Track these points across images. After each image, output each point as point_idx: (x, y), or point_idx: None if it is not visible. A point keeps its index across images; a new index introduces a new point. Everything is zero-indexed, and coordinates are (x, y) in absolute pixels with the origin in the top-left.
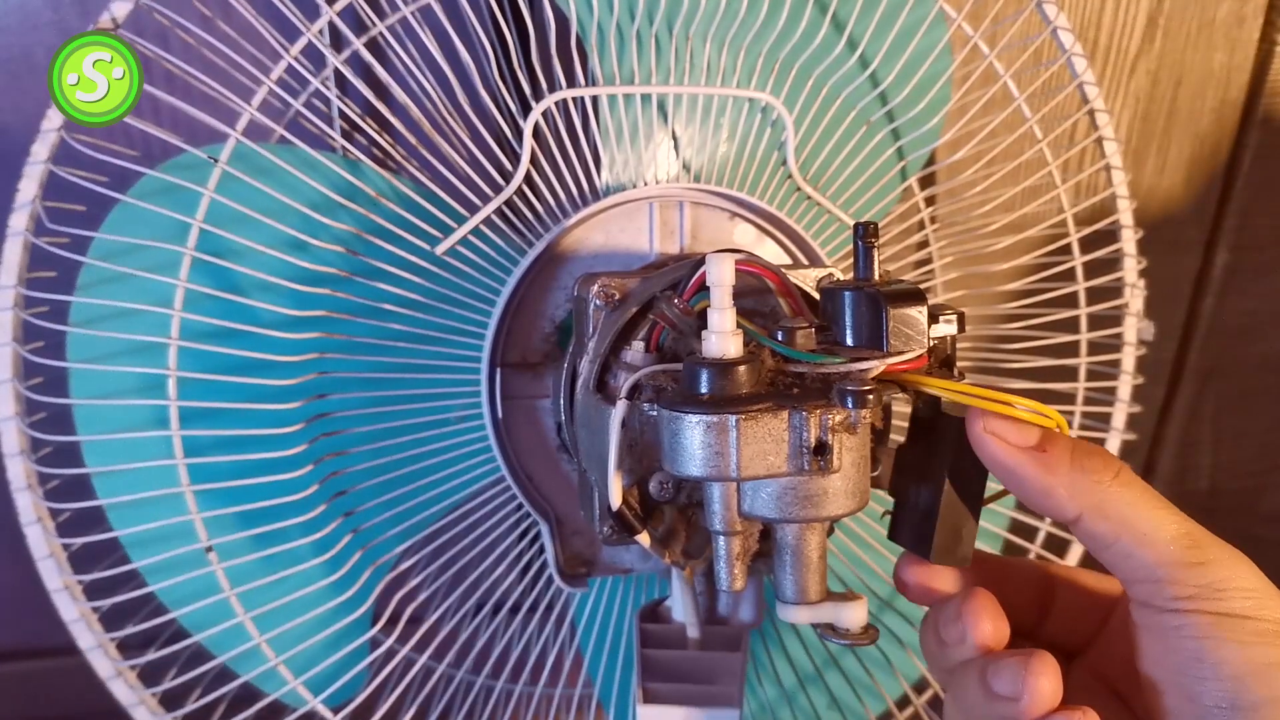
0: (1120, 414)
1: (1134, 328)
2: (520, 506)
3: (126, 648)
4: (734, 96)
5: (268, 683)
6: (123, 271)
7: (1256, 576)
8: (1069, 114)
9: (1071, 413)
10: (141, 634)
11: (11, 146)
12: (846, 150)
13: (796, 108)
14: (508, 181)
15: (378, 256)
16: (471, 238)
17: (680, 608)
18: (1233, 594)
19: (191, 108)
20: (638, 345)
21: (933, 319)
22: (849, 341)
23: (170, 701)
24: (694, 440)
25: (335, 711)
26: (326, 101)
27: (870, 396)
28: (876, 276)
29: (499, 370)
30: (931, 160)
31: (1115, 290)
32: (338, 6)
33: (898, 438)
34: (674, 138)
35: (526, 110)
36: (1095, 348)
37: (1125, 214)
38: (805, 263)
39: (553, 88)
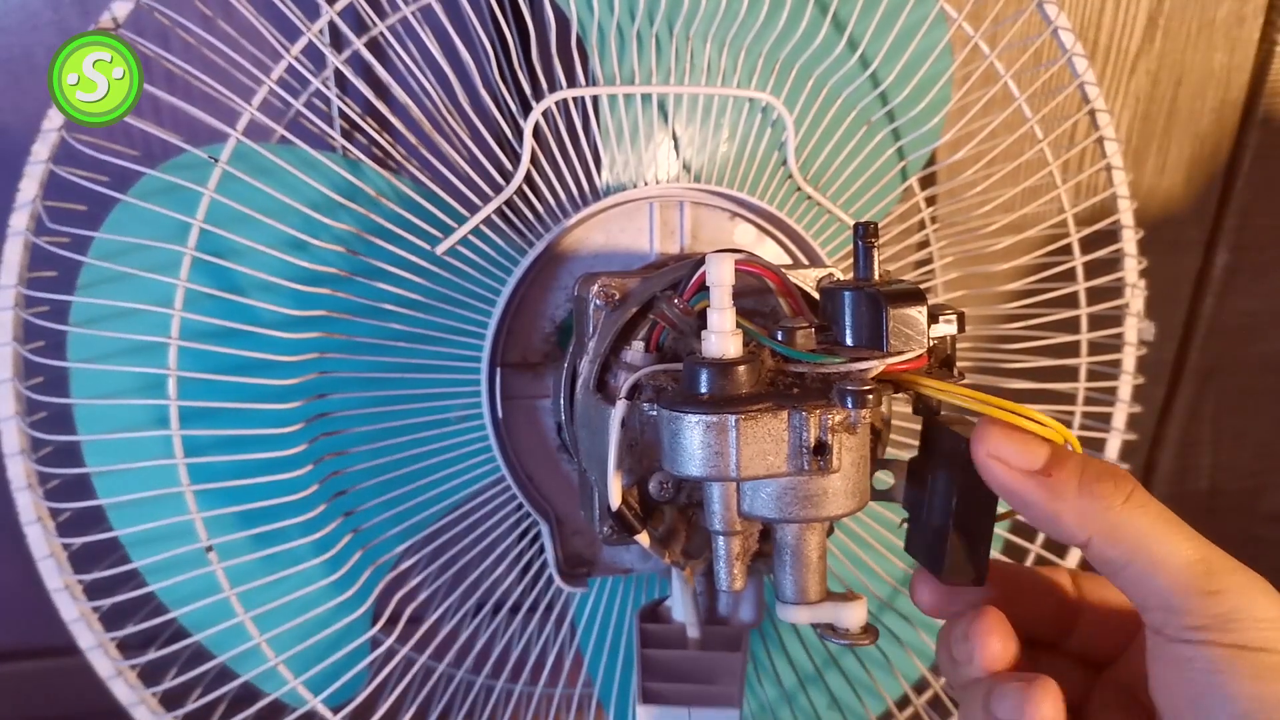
0: (1120, 414)
1: (1134, 328)
2: (520, 506)
3: (127, 647)
4: (734, 96)
5: (268, 682)
6: (123, 271)
7: (1275, 605)
8: (1069, 114)
9: (1072, 412)
10: (141, 634)
11: (12, 146)
12: (847, 150)
13: (797, 108)
14: (508, 181)
15: (378, 256)
16: (472, 238)
17: (680, 608)
18: (1247, 625)
19: (192, 107)
20: (638, 345)
21: (933, 319)
22: (849, 341)
23: (170, 701)
24: (694, 440)
25: (335, 711)
26: (327, 101)
27: (870, 396)
28: (876, 276)
29: (499, 370)
30: (932, 160)
31: (1116, 290)
32: (338, 6)
33: (906, 443)
34: (674, 138)
35: (527, 110)
36: (1096, 348)
37: (1126, 214)
38: (805, 263)
39: (553, 88)
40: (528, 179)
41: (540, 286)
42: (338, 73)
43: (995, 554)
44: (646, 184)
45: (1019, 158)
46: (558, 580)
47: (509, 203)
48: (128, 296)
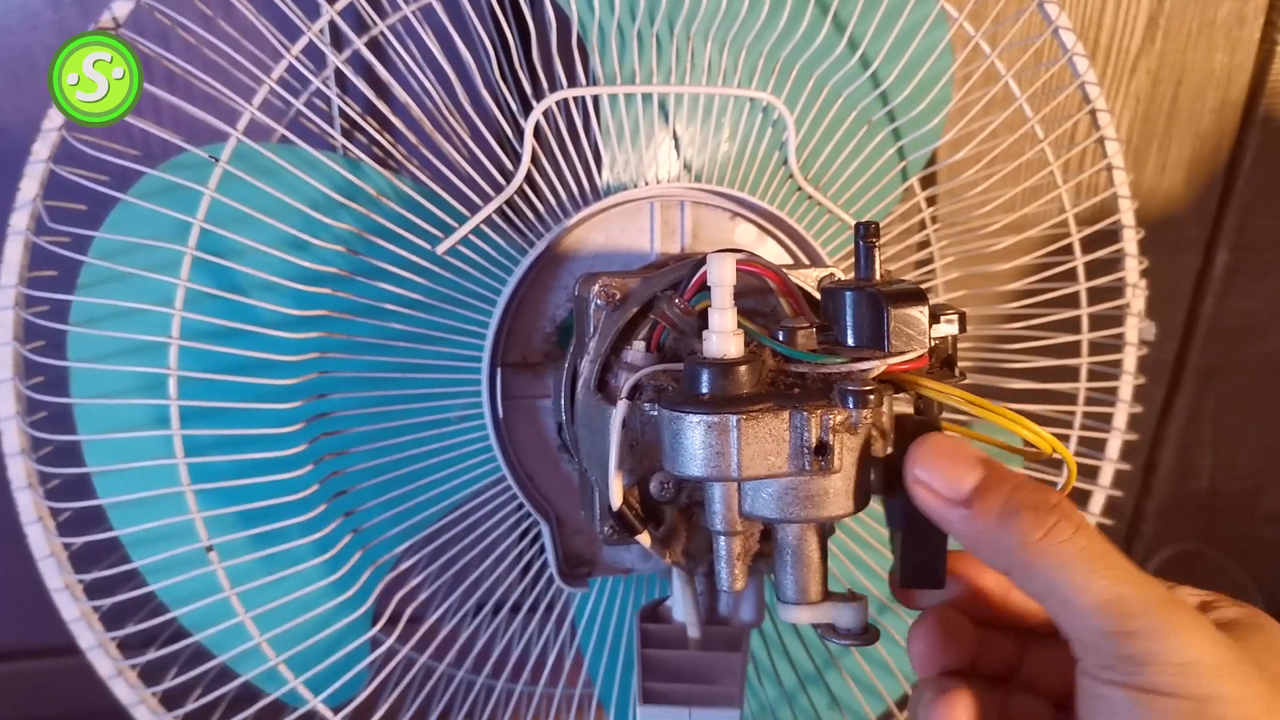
0: (1121, 414)
1: (1135, 328)
2: (520, 506)
3: (127, 647)
4: (735, 96)
5: (268, 682)
6: (123, 271)
7: (1193, 648)
8: (1070, 114)
9: (1073, 412)
10: (142, 633)
11: (12, 146)
12: (848, 150)
13: (798, 107)
14: (508, 181)
15: (378, 256)
16: (472, 237)
17: (680, 608)
18: (1158, 668)
19: (192, 107)
20: (638, 345)
21: (934, 319)
22: (850, 341)
23: (170, 701)
24: (695, 440)
25: (335, 711)
26: (327, 101)
27: (871, 397)
28: (878, 276)
29: (499, 370)
30: (932, 160)
31: (1116, 290)
32: (338, 6)
33: None
34: (675, 137)
35: (527, 110)
36: (1096, 348)
37: (1126, 214)
38: (806, 262)
39: (553, 87)
40: (528, 179)
41: (541, 286)
42: (338, 72)
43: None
44: (647, 184)
45: (1020, 158)
46: (558, 580)
47: (509, 202)
48: (128, 296)
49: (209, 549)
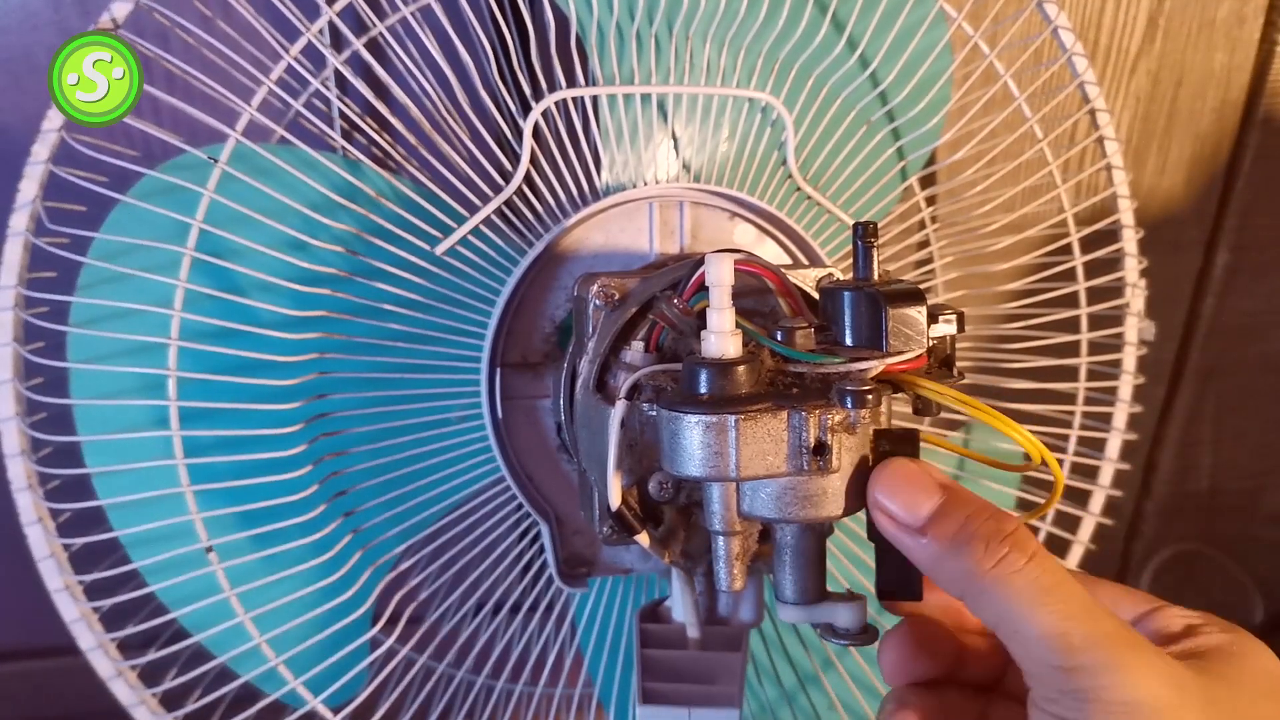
0: (1121, 414)
1: (1135, 327)
2: (520, 506)
3: (127, 648)
4: (734, 96)
5: (268, 683)
6: (123, 272)
7: (1137, 686)
8: (1069, 114)
9: (1072, 412)
10: (142, 634)
11: (12, 146)
12: (846, 150)
13: (796, 107)
14: (507, 181)
15: (378, 257)
16: (471, 238)
17: (680, 608)
18: (1099, 707)
19: (191, 108)
20: (637, 345)
21: (932, 319)
22: (848, 341)
23: (170, 701)
24: (693, 440)
25: (335, 711)
26: (326, 102)
27: (870, 396)
28: (876, 276)
29: (499, 370)
30: (932, 160)
31: (1116, 290)
32: (337, 6)
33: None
34: (674, 138)
35: (526, 110)
36: (1096, 347)
37: (1126, 214)
38: (805, 263)
39: (553, 88)
40: (527, 179)
41: (540, 286)
42: (337, 73)
43: None
44: (646, 184)
45: (1019, 157)
46: (558, 580)
47: (509, 203)
48: (127, 297)
49: (209, 550)
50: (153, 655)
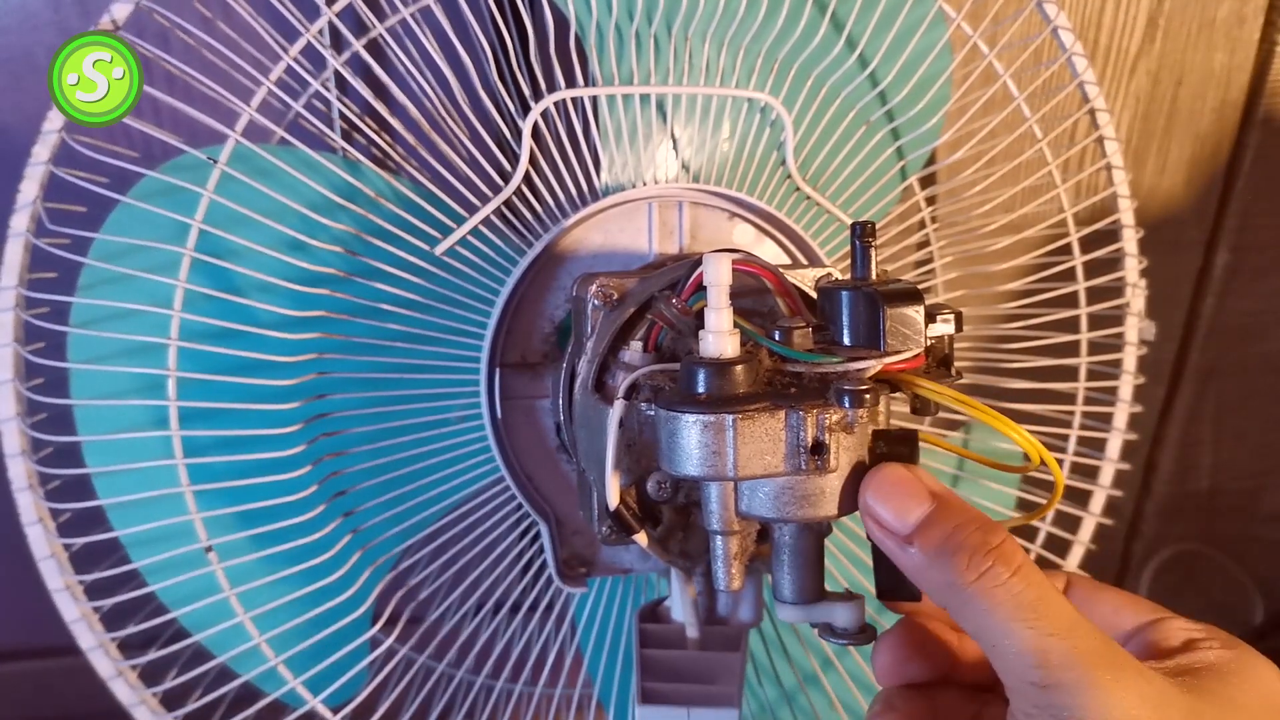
0: (1121, 414)
1: (1135, 327)
2: (520, 506)
3: (127, 648)
4: (733, 96)
5: (268, 682)
6: (123, 272)
7: (1121, 707)
8: (1069, 114)
9: (1072, 412)
10: (142, 634)
11: (12, 147)
12: (846, 150)
13: (796, 108)
14: (507, 182)
15: (377, 257)
16: (471, 238)
17: (679, 608)
18: None
19: (191, 108)
20: (636, 345)
21: (930, 318)
22: (846, 341)
23: (171, 701)
24: (691, 440)
25: (335, 711)
26: (326, 102)
27: (867, 396)
28: (874, 276)
29: (498, 370)
30: (931, 160)
31: (1116, 290)
32: (337, 7)
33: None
34: (673, 138)
35: (526, 111)
36: (1096, 347)
37: (1126, 213)
38: (804, 262)
39: (552, 88)
40: (526, 179)
41: (539, 287)
42: (337, 74)
43: None
44: (645, 184)
45: (1018, 157)
46: (557, 580)
47: (508, 203)
48: (127, 297)
49: (208, 549)
50: (153, 655)
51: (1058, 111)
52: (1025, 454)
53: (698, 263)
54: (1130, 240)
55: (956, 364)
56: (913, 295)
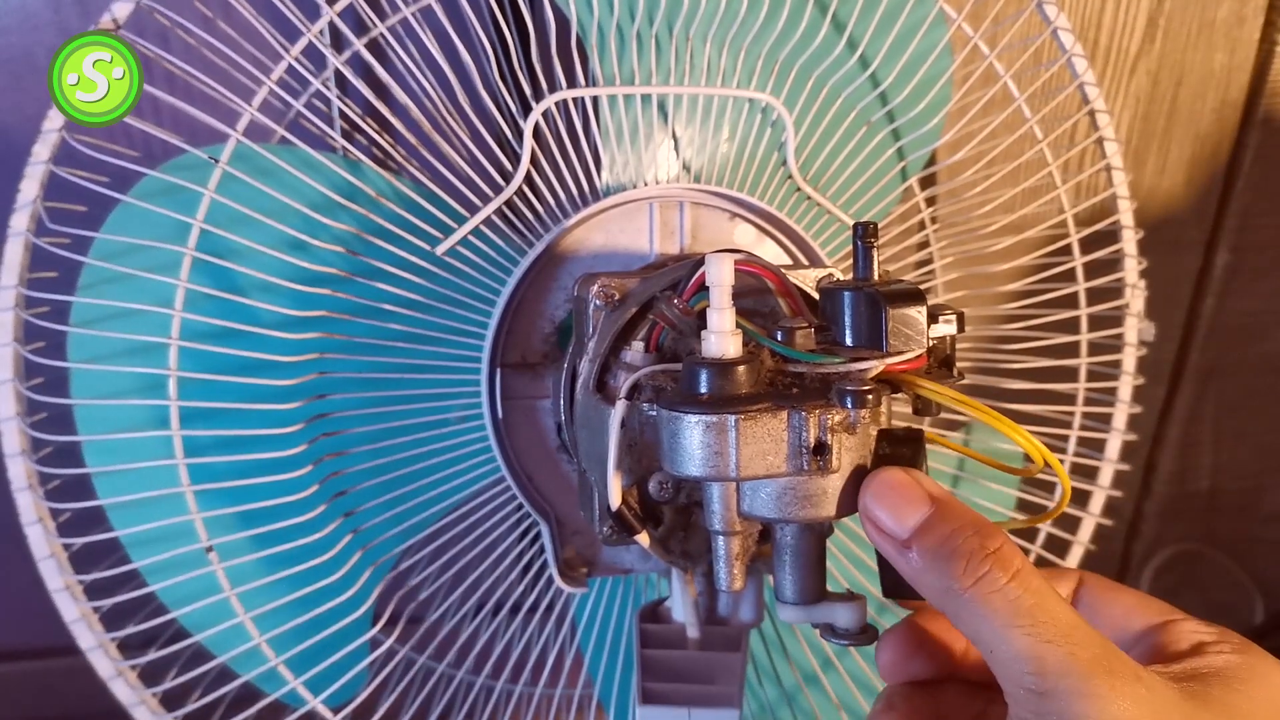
0: (1121, 414)
1: (1135, 328)
2: (520, 507)
3: (127, 648)
4: (734, 97)
5: (268, 683)
6: (123, 272)
7: (1121, 714)
8: (1069, 114)
9: (1072, 413)
10: (142, 634)
11: (12, 147)
12: (847, 150)
13: (797, 108)
14: (508, 182)
15: (378, 257)
16: (472, 238)
17: (680, 608)
18: None
19: (192, 108)
20: (637, 345)
21: (932, 319)
22: (848, 341)
23: (171, 701)
24: (693, 440)
25: (335, 711)
26: (327, 102)
27: (870, 396)
28: (876, 276)
29: (499, 370)
30: (932, 161)
31: (1116, 291)
32: (338, 7)
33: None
34: (674, 138)
35: (527, 111)
36: (1096, 348)
37: (1126, 214)
38: (805, 263)
39: (553, 88)
40: (528, 179)
41: (540, 287)
42: (338, 73)
43: None
44: (646, 184)
45: (1019, 158)
46: (558, 580)
47: (509, 203)
48: (128, 297)
49: (209, 549)
50: (153, 655)
51: (1058, 112)
52: (1027, 456)
53: (699, 263)
54: (1130, 241)
55: (957, 364)
56: (915, 296)
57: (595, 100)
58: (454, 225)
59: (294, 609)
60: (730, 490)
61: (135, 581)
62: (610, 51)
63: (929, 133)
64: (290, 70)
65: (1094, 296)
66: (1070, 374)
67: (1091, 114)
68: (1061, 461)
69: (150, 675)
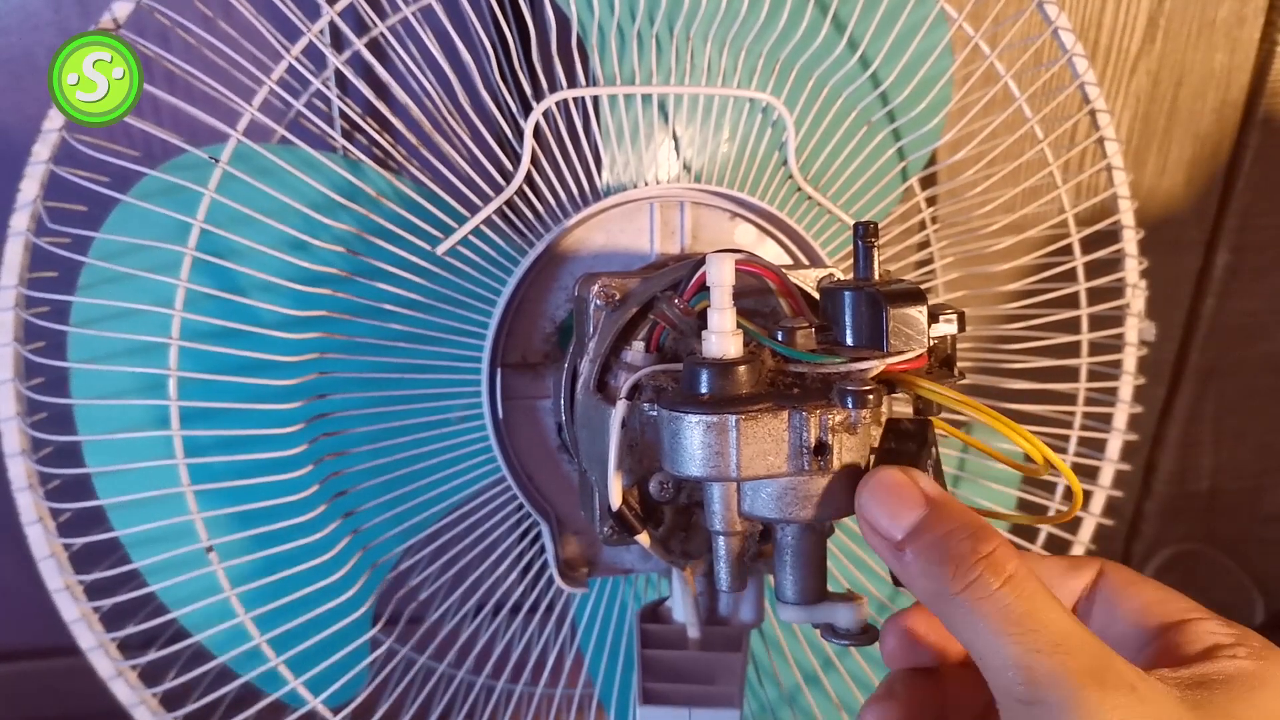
0: (1121, 414)
1: (1135, 328)
2: (521, 507)
3: (127, 648)
4: (735, 97)
5: (268, 683)
6: (124, 272)
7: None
8: (1070, 114)
9: (1072, 413)
10: (142, 634)
11: (12, 147)
12: (847, 150)
13: (797, 108)
14: (508, 182)
15: (378, 257)
16: (472, 238)
17: (680, 608)
18: None
19: (192, 108)
20: (638, 345)
21: (933, 319)
22: (849, 341)
23: (171, 701)
24: (694, 440)
25: (335, 711)
26: (327, 102)
27: (870, 396)
28: (876, 276)
29: (499, 370)
30: (932, 160)
31: (1116, 290)
32: (338, 7)
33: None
34: (675, 138)
35: (527, 110)
36: (1096, 348)
37: (1126, 214)
38: (806, 263)
39: (553, 88)
40: (528, 179)
41: (540, 287)
42: (338, 73)
43: None
44: (647, 184)
45: (1019, 158)
46: (558, 580)
47: (509, 203)
48: (128, 297)
49: (209, 550)
50: (153, 655)
51: (1058, 112)
52: (1027, 455)
53: (700, 263)
54: (1130, 241)
55: (958, 364)
56: (915, 295)
57: (595, 100)
58: (454, 225)
59: (294, 609)
60: (731, 490)
61: (135, 581)
62: (610, 51)
63: (929, 133)
64: (290, 70)
65: (1094, 296)
66: (1071, 374)
67: (1092, 114)
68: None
69: (150, 675)
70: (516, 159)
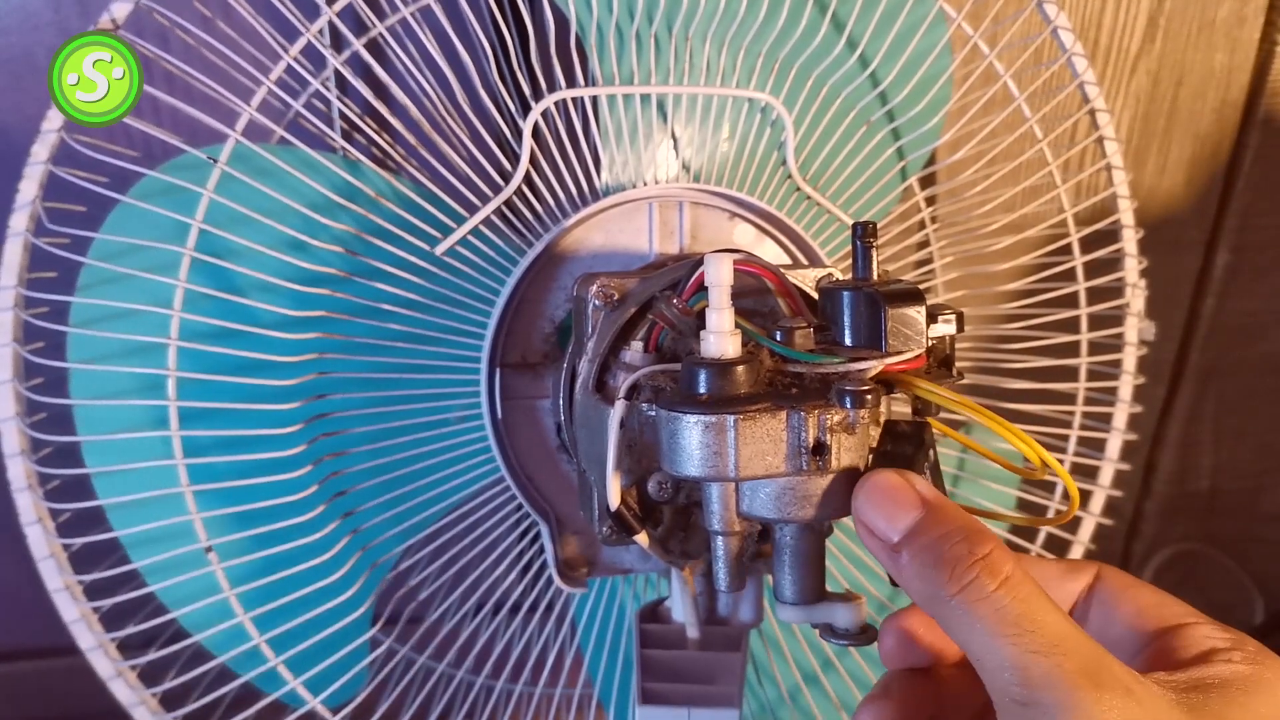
0: (1121, 414)
1: (1135, 328)
2: (520, 507)
3: (127, 648)
4: (734, 96)
5: (268, 683)
6: (123, 272)
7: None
8: (1069, 114)
9: (1072, 413)
10: (142, 634)
11: (12, 147)
12: (846, 150)
13: (796, 108)
14: (507, 182)
15: (377, 257)
16: (471, 238)
17: (680, 608)
18: None
19: (191, 108)
20: (636, 345)
21: (931, 319)
22: (848, 341)
23: (170, 702)
24: (692, 440)
25: (335, 711)
26: (326, 102)
27: (869, 397)
28: (875, 276)
29: (499, 370)
30: (932, 160)
31: (1116, 290)
32: (337, 7)
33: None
34: (674, 138)
35: (526, 110)
36: (1096, 348)
37: (1126, 214)
38: (805, 263)
39: (552, 88)
40: (527, 179)
41: (539, 287)
42: (337, 73)
43: None
44: (646, 184)
45: (1019, 157)
46: (557, 580)
47: (508, 203)
48: (127, 297)
49: (208, 550)
50: (153, 655)
51: (1058, 112)
52: (1024, 457)
53: (699, 263)
54: (1130, 240)
55: (957, 364)
56: (914, 296)
57: (595, 100)
58: (453, 225)
59: (293, 609)
60: (729, 490)
61: (135, 581)
62: (610, 51)
63: (929, 132)
64: (289, 70)
65: (1094, 296)
66: (1070, 373)
67: (1092, 113)
68: (1061, 461)
69: (150, 675)
70: (515, 159)
